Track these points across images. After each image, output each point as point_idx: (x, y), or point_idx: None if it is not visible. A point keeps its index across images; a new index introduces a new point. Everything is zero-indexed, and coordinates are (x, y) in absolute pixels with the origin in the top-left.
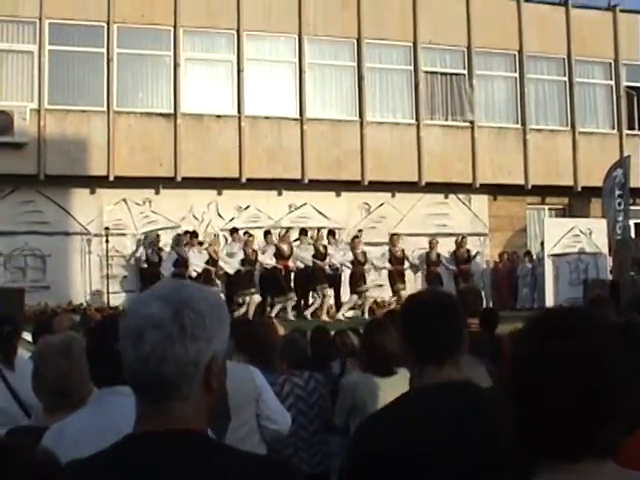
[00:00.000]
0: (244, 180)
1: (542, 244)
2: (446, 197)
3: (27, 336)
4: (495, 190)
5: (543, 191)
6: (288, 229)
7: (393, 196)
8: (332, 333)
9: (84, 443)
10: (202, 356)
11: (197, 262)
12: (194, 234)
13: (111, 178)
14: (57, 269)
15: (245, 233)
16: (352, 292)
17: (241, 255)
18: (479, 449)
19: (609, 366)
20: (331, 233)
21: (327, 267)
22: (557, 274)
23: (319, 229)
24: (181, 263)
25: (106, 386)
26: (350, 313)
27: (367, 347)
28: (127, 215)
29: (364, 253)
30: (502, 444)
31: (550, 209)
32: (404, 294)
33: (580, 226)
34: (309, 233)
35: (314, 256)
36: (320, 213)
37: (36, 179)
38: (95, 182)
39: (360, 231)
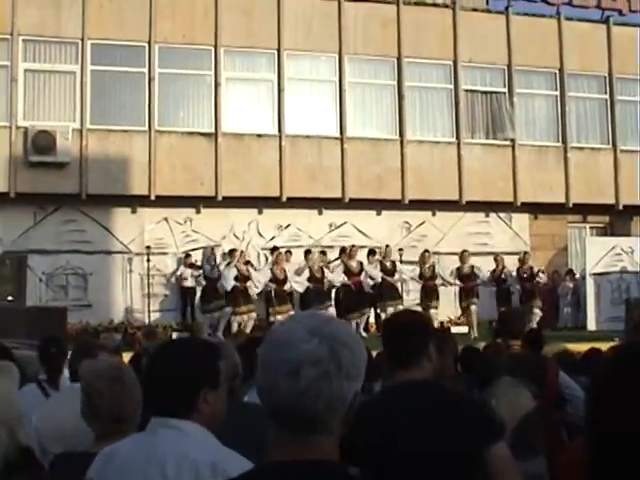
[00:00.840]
0: (284, 199)
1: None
2: (487, 216)
3: None
4: (536, 208)
5: (584, 209)
6: (353, 246)
7: (434, 215)
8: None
9: (131, 470)
10: (351, 393)
11: (259, 278)
12: (232, 252)
13: (152, 197)
14: (99, 288)
15: (287, 252)
16: (423, 309)
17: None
18: (437, 436)
19: None
20: (371, 252)
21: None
22: (599, 293)
23: (387, 246)
24: (242, 278)
25: (160, 415)
26: None
27: None
28: (168, 234)
29: (432, 268)
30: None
31: (591, 227)
32: (474, 309)
33: (622, 245)
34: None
35: (383, 271)
36: (360, 232)
37: (78, 198)
38: (136, 201)
39: (401, 250)
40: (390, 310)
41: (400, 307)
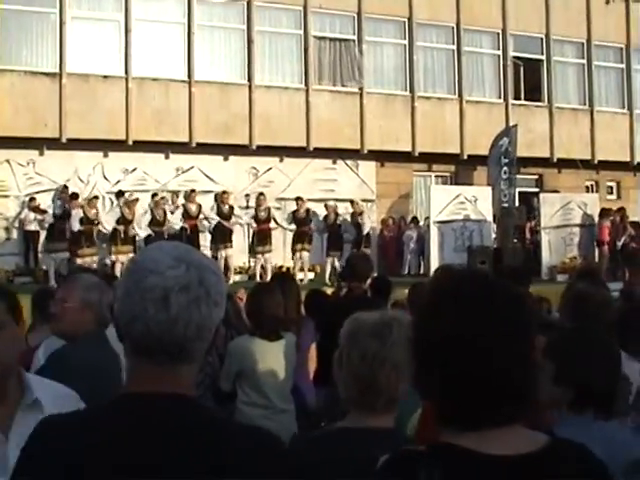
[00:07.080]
0: (131, 142)
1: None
2: (334, 163)
3: None
4: (382, 156)
5: (430, 158)
6: (192, 190)
7: (281, 161)
8: None
9: None
10: (216, 320)
11: (106, 221)
12: (75, 196)
13: None
14: None
15: (132, 197)
16: (255, 252)
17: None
18: None
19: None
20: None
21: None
22: (442, 241)
23: (224, 192)
24: (88, 221)
25: None
26: (238, 277)
27: (254, 311)
28: (11, 176)
29: (268, 210)
30: None
31: (437, 176)
32: (305, 255)
33: (466, 194)
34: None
35: (219, 215)
36: (207, 177)
37: None
38: None
39: (247, 195)
40: (222, 254)
41: (229, 251)
